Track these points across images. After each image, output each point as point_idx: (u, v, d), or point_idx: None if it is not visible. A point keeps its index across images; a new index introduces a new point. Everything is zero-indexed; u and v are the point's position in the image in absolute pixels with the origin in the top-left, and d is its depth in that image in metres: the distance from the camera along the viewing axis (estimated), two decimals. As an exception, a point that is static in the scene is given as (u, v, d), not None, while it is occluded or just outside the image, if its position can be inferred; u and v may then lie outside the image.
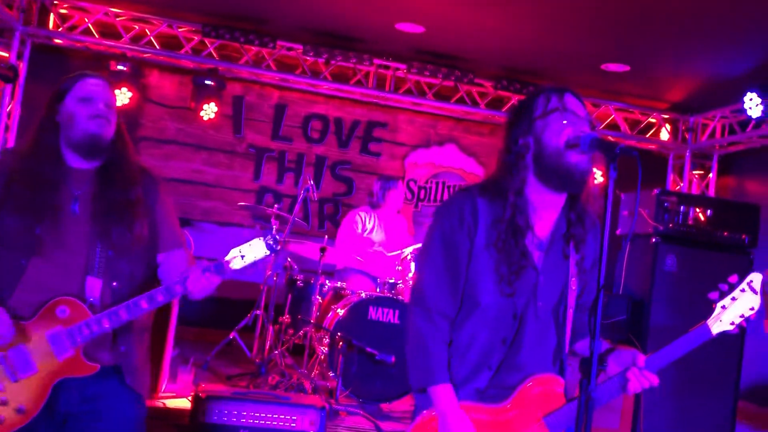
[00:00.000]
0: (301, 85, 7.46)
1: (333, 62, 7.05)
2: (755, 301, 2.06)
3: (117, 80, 6.69)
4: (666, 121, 7.94)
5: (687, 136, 7.84)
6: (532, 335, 2.05)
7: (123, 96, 6.77)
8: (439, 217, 2.08)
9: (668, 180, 8.04)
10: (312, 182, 5.62)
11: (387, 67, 7.31)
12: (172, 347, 4.59)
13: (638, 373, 1.98)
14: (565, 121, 1.97)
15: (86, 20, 6.81)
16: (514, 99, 7.48)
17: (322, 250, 5.36)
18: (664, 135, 7.99)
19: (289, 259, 5.83)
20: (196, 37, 6.95)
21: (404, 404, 4.85)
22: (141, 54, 6.98)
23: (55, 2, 6.79)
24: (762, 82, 6.09)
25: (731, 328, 2.05)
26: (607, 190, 1.79)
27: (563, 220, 2.09)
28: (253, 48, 6.96)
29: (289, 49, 7.08)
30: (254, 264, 2.27)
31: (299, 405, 3.66)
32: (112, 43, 6.84)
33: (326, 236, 5.82)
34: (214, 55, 7.06)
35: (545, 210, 2.06)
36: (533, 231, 2.04)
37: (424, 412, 2.02)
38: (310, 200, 7.34)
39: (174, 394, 4.44)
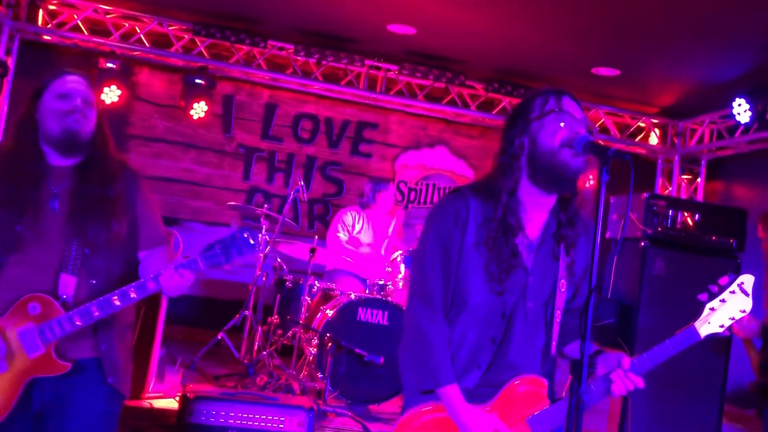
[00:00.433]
0: (292, 84, 7.44)
1: (324, 62, 7.04)
2: (746, 303, 2.04)
3: (106, 78, 6.64)
4: (655, 125, 7.99)
5: (676, 141, 7.89)
6: (521, 335, 2.05)
7: (112, 94, 6.72)
8: (433, 217, 2.08)
9: (657, 184, 8.09)
10: (302, 183, 5.62)
11: (378, 68, 7.31)
12: (159, 347, 4.56)
13: (623, 375, 1.98)
14: (561, 123, 1.97)
15: (75, 17, 6.76)
16: (505, 101, 7.50)
17: (312, 251, 5.35)
18: (653, 139, 8.04)
19: (278, 260, 5.82)
20: (186, 36, 6.92)
21: (392, 406, 4.83)
22: (131, 52, 6.94)
23: (44, -2, 6.75)
24: (750, 89, 6.15)
25: (720, 330, 2.04)
26: (598, 194, 1.80)
27: (553, 221, 2.09)
28: (243, 47, 6.93)
29: (280, 48, 7.06)
30: (231, 261, 2.20)
31: (287, 406, 3.65)
32: (102, 41, 6.79)
33: (316, 237, 5.81)
34: (205, 53, 7.03)
35: (535, 210, 2.06)
36: (524, 232, 2.05)
37: (410, 408, 2.02)
38: (300, 201, 7.33)
39: (161, 395, 4.41)
